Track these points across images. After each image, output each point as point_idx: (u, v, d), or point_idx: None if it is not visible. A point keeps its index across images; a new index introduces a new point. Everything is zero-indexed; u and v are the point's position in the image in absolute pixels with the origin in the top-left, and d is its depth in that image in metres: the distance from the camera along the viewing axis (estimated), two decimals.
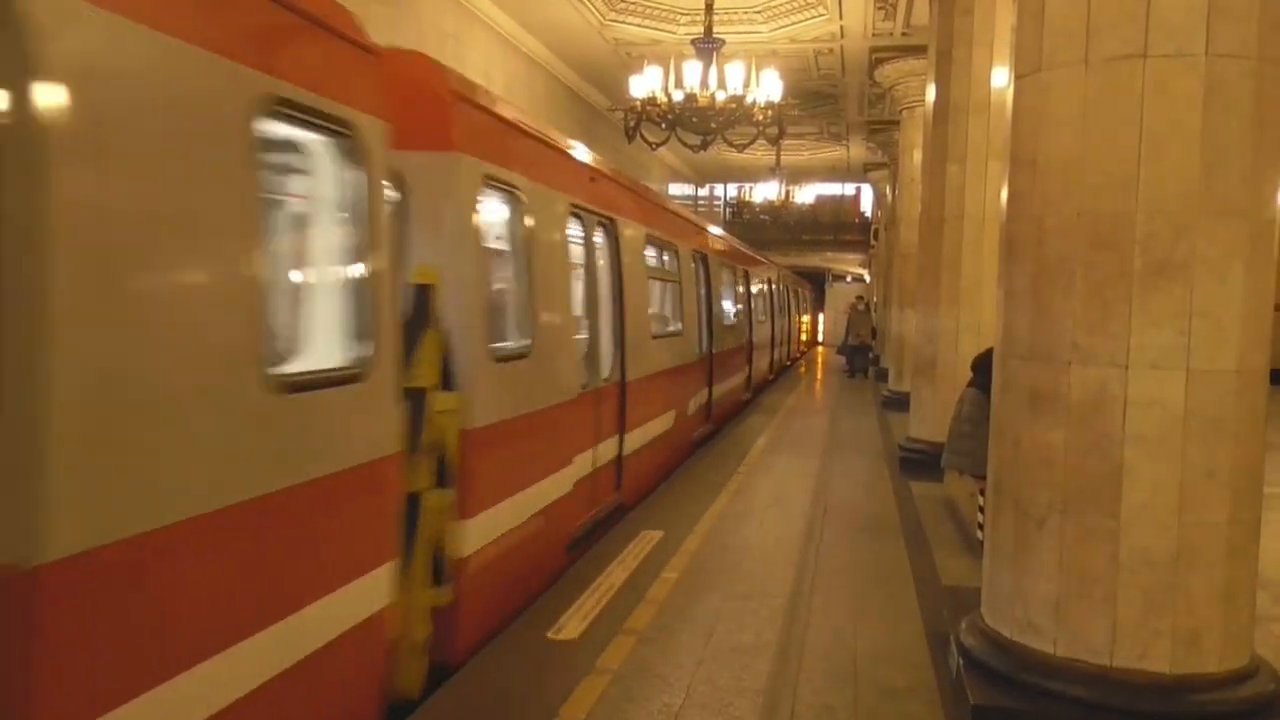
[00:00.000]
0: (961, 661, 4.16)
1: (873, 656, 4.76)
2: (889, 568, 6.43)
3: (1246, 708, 3.67)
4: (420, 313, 4.19)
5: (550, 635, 4.90)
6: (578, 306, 6.94)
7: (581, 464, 6.57)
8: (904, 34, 14.22)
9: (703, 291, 12.14)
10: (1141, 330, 3.66)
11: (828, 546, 6.90)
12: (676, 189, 31.10)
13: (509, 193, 5.39)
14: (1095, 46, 3.73)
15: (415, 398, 4.04)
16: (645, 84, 10.08)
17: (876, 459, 10.97)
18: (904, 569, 6.40)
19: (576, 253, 6.88)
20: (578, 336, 6.81)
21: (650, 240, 9.08)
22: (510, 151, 5.45)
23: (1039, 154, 3.96)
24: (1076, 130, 3.79)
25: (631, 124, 10.45)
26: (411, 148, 4.27)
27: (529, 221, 5.61)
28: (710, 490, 8.70)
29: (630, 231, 8.15)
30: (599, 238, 7.43)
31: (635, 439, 8.06)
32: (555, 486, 5.96)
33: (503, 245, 5.60)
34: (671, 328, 10.28)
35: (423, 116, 4.55)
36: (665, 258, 10.12)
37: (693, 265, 11.43)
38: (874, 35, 14.54)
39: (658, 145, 11.22)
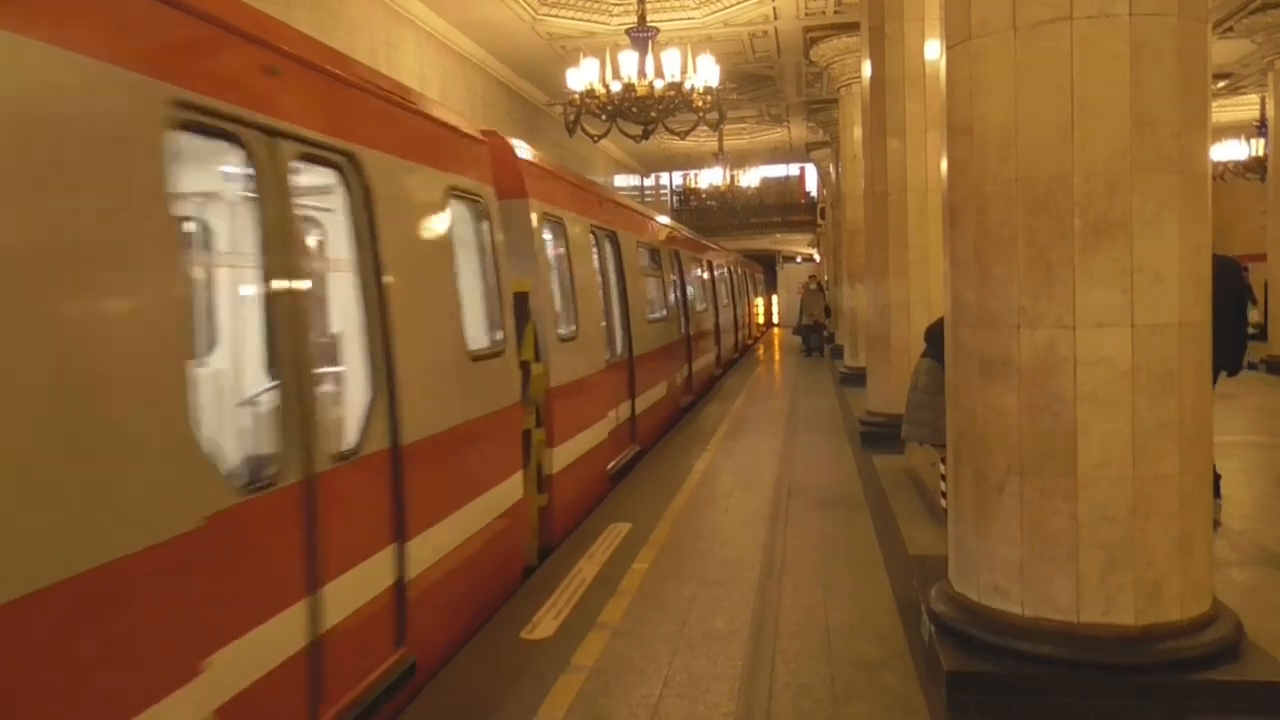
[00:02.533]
0: (933, 629, 4.21)
1: (846, 631, 4.79)
2: (856, 542, 6.47)
3: (1211, 652, 3.75)
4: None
5: (524, 635, 4.87)
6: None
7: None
8: (836, 12, 14.32)
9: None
10: (1085, 290, 3.71)
11: (795, 525, 6.94)
12: (622, 180, 31.04)
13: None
14: (1022, 12, 3.77)
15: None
16: (582, 77, 10.03)
17: (837, 435, 11.05)
18: (871, 542, 6.45)
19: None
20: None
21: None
22: None
23: (974, 122, 3.99)
24: (1009, 96, 3.83)
25: (571, 118, 10.38)
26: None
27: None
28: (676, 477, 8.71)
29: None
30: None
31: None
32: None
33: None
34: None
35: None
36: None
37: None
38: (806, 15, 14.61)
39: (599, 137, 11.18)
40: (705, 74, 10.13)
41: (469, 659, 4.62)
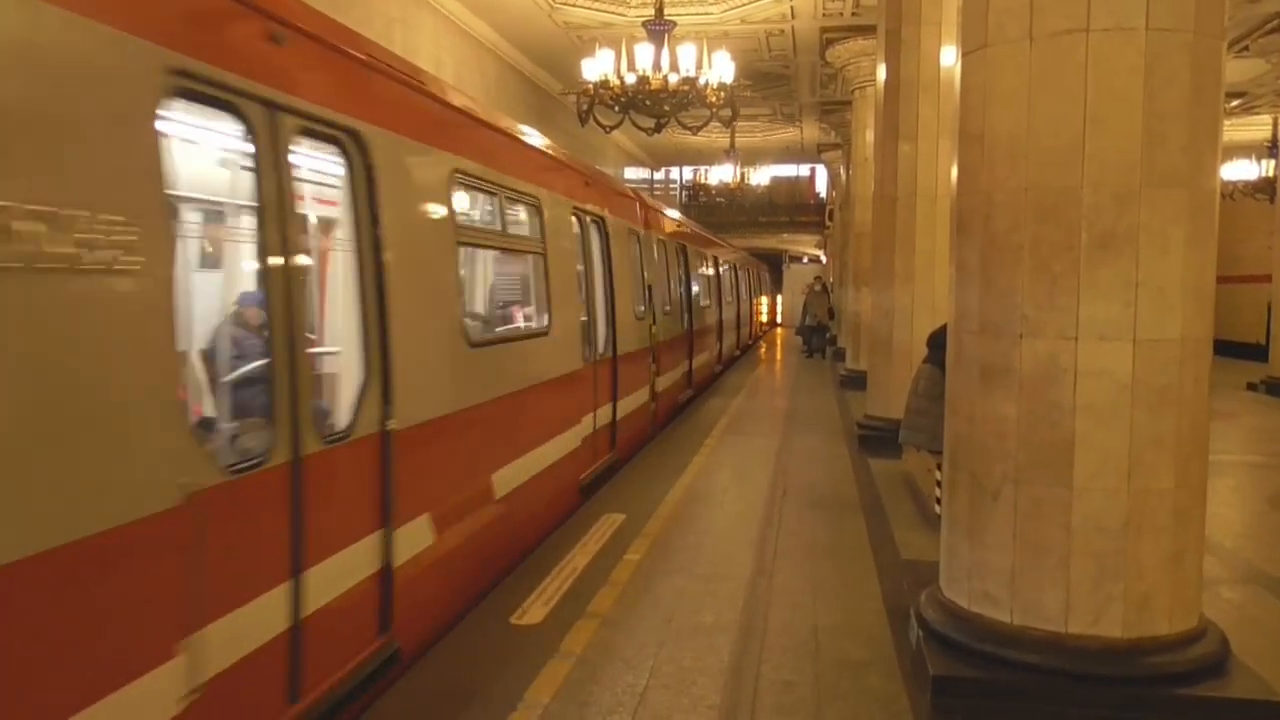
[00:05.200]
0: (921, 633, 4.22)
1: (834, 631, 4.81)
2: (849, 544, 6.49)
3: (1196, 667, 3.76)
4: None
5: (514, 620, 4.89)
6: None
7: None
8: (854, 14, 14.28)
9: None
10: (1089, 302, 3.72)
11: (788, 525, 6.95)
12: (632, 173, 31.00)
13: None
14: (1039, 22, 3.77)
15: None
16: (597, 67, 10.01)
17: (835, 437, 11.06)
18: (864, 545, 6.47)
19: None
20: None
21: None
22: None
23: (986, 130, 4.00)
24: (1022, 105, 3.83)
25: (584, 108, 10.37)
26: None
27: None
28: (672, 472, 8.72)
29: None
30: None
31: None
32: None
33: None
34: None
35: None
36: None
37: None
38: (824, 15, 14.58)
39: (611, 128, 11.15)
40: (720, 70, 10.11)
41: (458, 640, 4.64)
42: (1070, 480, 3.77)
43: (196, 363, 4.04)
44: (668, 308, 12.07)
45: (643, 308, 10.47)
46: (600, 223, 8.80)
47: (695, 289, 15.16)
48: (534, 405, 6.41)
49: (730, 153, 23.39)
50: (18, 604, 2.26)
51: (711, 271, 18.10)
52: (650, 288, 11.00)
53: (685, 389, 13.43)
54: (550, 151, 7.44)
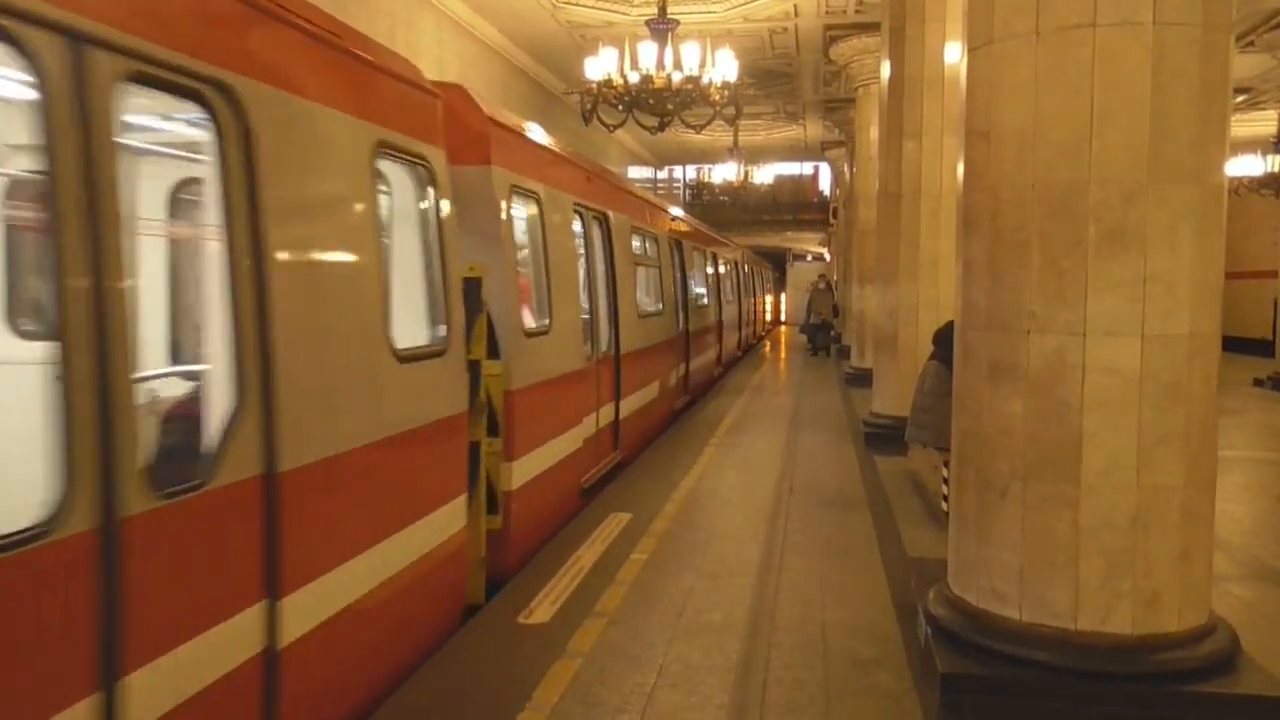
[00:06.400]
0: (929, 631, 4.21)
1: (842, 629, 4.80)
2: (856, 542, 6.48)
3: (1206, 664, 3.75)
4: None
5: (521, 619, 4.89)
6: None
7: None
8: (857, 11, 14.28)
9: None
10: (1097, 298, 3.71)
11: (795, 523, 6.95)
12: (636, 172, 30.99)
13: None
14: (1046, 17, 3.76)
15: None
16: (601, 66, 10.00)
17: (841, 435, 11.05)
18: (871, 542, 6.46)
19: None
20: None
21: None
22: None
23: (993, 126, 3.99)
24: (1029, 101, 3.82)
25: (588, 107, 10.36)
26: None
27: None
28: (678, 470, 8.72)
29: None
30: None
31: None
32: None
33: None
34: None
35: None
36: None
37: None
38: (827, 13, 14.57)
39: (615, 127, 11.14)
40: (723, 69, 10.10)
41: (466, 639, 4.64)
42: (1078, 477, 3.76)
43: None
44: (544, 323, 6.78)
45: (445, 330, 4.85)
46: (277, 120, 3.32)
47: (635, 288, 10.20)
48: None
49: (734, 151, 23.37)
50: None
51: (677, 264, 13.27)
52: (475, 284, 5.33)
53: (608, 452, 8.78)
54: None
